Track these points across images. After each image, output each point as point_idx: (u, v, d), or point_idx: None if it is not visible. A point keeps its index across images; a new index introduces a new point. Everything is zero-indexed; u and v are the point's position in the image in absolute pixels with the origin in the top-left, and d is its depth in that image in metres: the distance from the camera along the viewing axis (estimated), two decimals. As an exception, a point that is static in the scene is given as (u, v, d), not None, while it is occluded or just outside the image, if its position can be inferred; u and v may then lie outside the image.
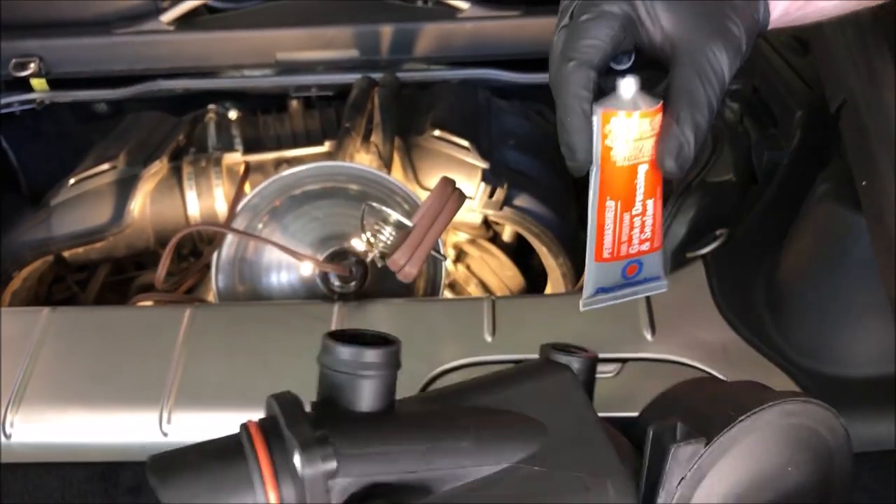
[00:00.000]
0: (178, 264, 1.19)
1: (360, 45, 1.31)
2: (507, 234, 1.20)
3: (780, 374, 0.73)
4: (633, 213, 0.52)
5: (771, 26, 0.54)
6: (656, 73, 0.54)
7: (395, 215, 0.78)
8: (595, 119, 0.50)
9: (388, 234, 0.83)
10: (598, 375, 0.63)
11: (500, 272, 1.19)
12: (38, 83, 1.34)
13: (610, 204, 0.52)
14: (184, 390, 0.76)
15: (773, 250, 0.78)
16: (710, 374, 0.74)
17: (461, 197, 0.79)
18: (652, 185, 0.52)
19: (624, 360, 0.76)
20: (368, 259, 0.85)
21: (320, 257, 0.89)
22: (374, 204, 0.81)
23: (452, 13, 1.29)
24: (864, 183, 0.64)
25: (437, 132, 1.14)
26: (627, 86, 0.50)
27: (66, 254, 1.11)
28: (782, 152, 0.94)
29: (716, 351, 0.75)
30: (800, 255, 0.75)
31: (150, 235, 1.12)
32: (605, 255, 0.54)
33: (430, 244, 0.74)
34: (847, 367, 0.71)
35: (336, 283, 0.84)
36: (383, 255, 0.84)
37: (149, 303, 0.98)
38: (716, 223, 0.94)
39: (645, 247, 0.54)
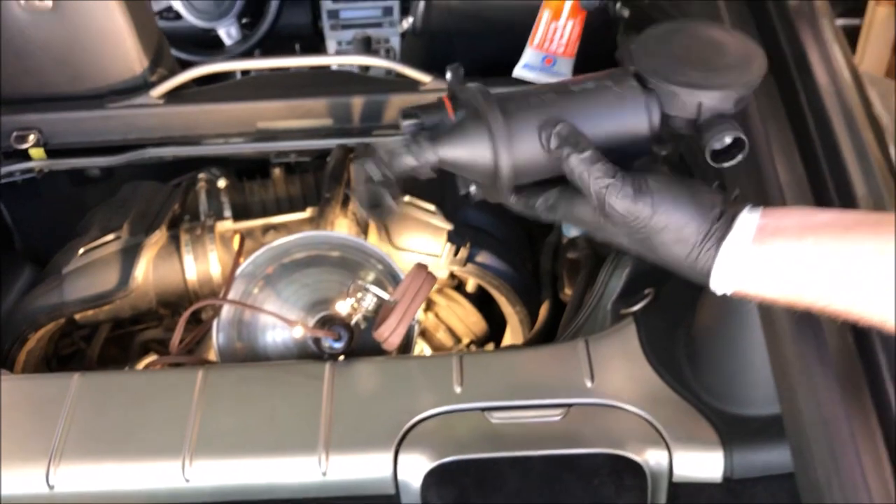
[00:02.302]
0: (173, 318, 1.33)
1: (335, 115, 1.44)
2: (470, 286, 1.36)
3: (696, 414, 0.89)
4: (558, 24, 0.83)
5: None
6: None
7: (375, 290, 0.94)
8: None
9: (369, 300, 0.99)
10: (545, 419, 0.80)
11: (466, 319, 1.35)
12: (37, 152, 1.45)
13: (546, 13, 0.83)
14: (202, 441, 0.89)
15: (689, 309, 0.95)
16: (642, 416, 0.90)
17: (433, 279, 0.95)
18: (575, 12, 0.83)
19: (569, 405, 0.91)
20: (353, 322, 1.00)
21: (311, 321, 1.04)
22: (360, 282, 0.96)
23: (416, 85, 1.44)
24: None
25: (406, 198, 1.29)
26: None
27: (76, 316, 1.23)
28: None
29: (645, 395, 0.91)
30: (708, 316, 0.91)
31: (153, 298, 1.25)
32: (536, 43, 0.84)
33: (409, 319, 0.90)
34: (748, 408, 0.87)
35: (326, 344, 0.99)
36: (366, 319, 1.00)
37: (156, 363, 1.11)
38: (647, 278, 1.10)
39: (560, 49, 0.85)
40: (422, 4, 1.62)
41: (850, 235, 0.58)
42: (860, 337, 0.72)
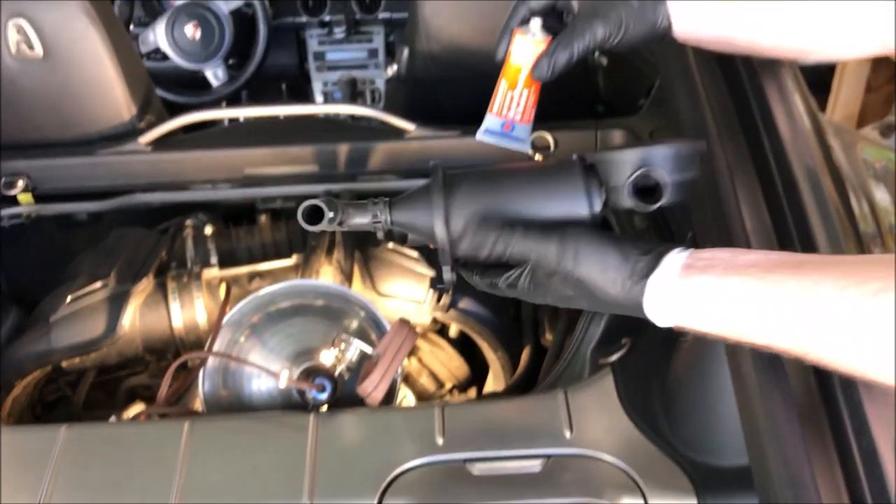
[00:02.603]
0: (159, 363, 1.34)
1: (321, 161, 1.46)
2: (453, 330, 1.38)
3: (671, 464, 0.91)
4: (514, 93, 0.86)
5: (685, 38, 0.84)
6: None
7: (359, 344, 0.96)
8: (511, 34, 0.85)
9: (353, 351, 1.01)
10: (526, 470, 0.82)
11: (449, 363, 1.37)
12: (25, 198, 1.46)
13: (503, 82, 0.86)
14: (188, 494, 0.90)
15: (664, 361, 0.97)
16: (619, 466, 0.92)
17: (415, 334, 0.97)
18: (529, 82, 0.86)
19: (549, 456, 0.93)
20: (337, 372, 1.02)
21: (296, 371, 1.06)
22: (344, 334, 0.98)
23: (401, 133, 1.46)
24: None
25: (390, 245, 1.32)
26: (534, 24, 0.84)
27: (63, 363, 1.25)
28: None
29: (622, 446, 0.94)
30: (682, 369, 0.94)
31: (139, 345, 1.26)
32: (495, 110, 0.87)
33: (391, 374, 0.92)
34: (721, 459, 0.89)
35: (310, 395, 1.01)
36: (349, 369, 1.02)
37: (143, 414, 1.13)
38: (625, 327, 1.13)
39: (517, 117, 0.88)
40: (406, 52, 1.66)
41: (772, 275, 0.62)
42: (824, 387, 0.75)
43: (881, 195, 1.44)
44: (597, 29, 0.81)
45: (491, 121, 0.88)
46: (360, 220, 0.80)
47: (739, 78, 1.03)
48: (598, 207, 0.76)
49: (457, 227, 0.76)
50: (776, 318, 0.61)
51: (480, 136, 0.88)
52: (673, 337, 0.98)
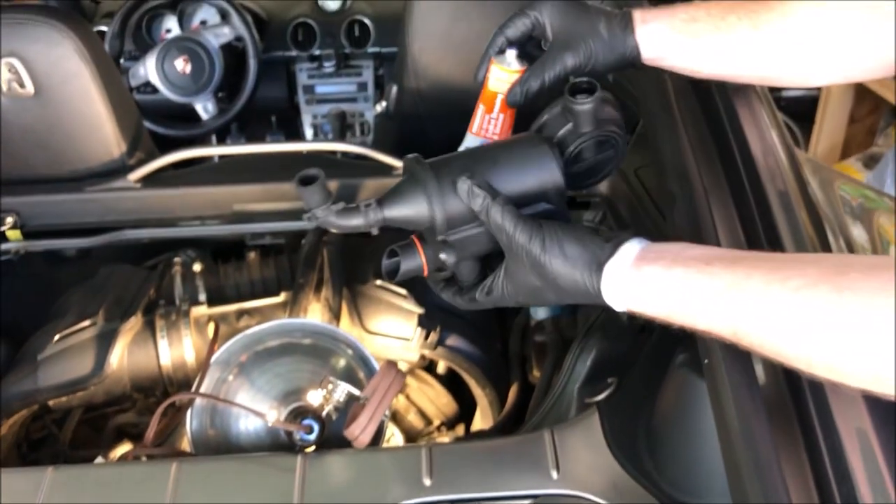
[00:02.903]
0: (147, 400, 1.34)
1: (309, 198, 1.48)
2: (440, 367, 1.39)
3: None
4: (491, 116, 0.93)
5: (654, 64, 0.91)
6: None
7: (346, 387, 0.97)
8: (489, 62, 0.92)
9: (340, 392, 1.02)
10: None
11: (436, 400, 1.37)
12: (14, 234, 1.47)
13: (481, 106, 0.93)
14: (174, 536, 0.91)
15: (650, 400, 0.98)
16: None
17: (402, 377, 0.98)
18: (504, 108, 0.92)
19: (535, 496, 0.94)
20: (324, 413, 1.02)
21: (284, 411, 1.06)
22: (331, 377, 0.99)
23: (389, 169, 1.48)
24: (705, 361, 0.85)
25: (378, 281, 1.33)
26: (510, 54, 0.91)
27: (50, 402, 1.24)
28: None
29: (608, 486, 0.94)
30: (667, 409, 0.95)
31: (127, 383, 1.26)
32: (474, 130, 0.94)
33: (378, 417, 0.92)
34: (706, 498, 0.90)
35: (298, 436, 1.01)
36: (337, 410, 1.03)
37: (130, 454, 1.12)
38: (612, 363, 1.14)
39: (495, 136, 0.94)
40: (395, 89, 1.68)
41: (710, 268, 0.68)
42: (806, 430, 0.76)
43: (858, 232, 1.46)
44: (567, 59, 0.88)
45: (471, 140, 0.94)
46: (355, 223, 0.83)
47: (720, 117, 1.05)
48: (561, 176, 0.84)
49: (452, 208, 0.81)
50: (712, 306, 0.67)
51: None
52: (658, 375, 0.99)
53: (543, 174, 0.84)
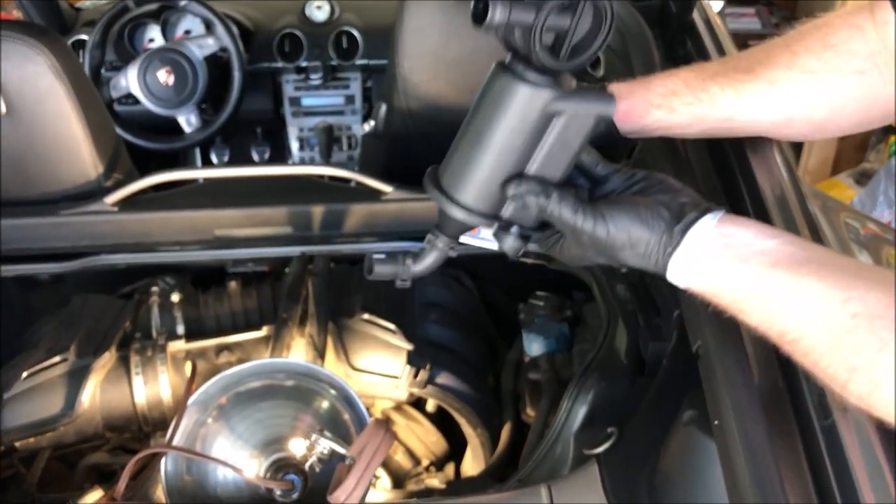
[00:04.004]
0: (121, 436, 1.28)
1: (295, 223, 1.41)
2: (430, 405, 1.33)
3: (660, 568, 0.87)
4: None
5: (636, 135, 0.88)
6: None
7: (333, 445, 0.91)
8: None
9: (324, 445, 0.96)
10: None
11: (426, 438, 1.32)
12: (-15, 259, 1.41)
13: None
14: None
15: (652, 454, 0.93)
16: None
17: (392, 437, 0.92)
18: None
19: (533, 557, 0.88)
20: (307, 466, 0.96)
21: (264, 463, 1.00)
22: (315, 434, 0.93)
23: (378, 195, 1.42)
24: (716, 422, 0.80)
25: (365, 315, 1.27)
26: None
27: (17, 443, 1.17)
28: (664, 344, 1.10)
29: (608, 546, 0.89)
30: (671, 465, 0.89)
31: (100, 422, 1.20)
32: None
33: (367, 480, 0.86)
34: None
35: (278, 492, 0.95)
36: (321, 461, 0.97)
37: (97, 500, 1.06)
38: (610, 407, 1.09)
39: None
40: (384, 108, 1.62)
41: (774, 269, 0.68)
42: (818, 481, 0.73)
43: (865, 259, 1.42)
44: None
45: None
46: (433, 256, 0.84)
47: (722, 143, 1.01)
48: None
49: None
50: (767, 308, 0.68)
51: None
52: (661, 427, 0.94)
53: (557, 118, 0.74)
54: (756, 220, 0.75)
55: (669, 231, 0.73)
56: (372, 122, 1.70)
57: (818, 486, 0.73)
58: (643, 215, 0.74)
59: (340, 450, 0.91)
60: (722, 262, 0.71)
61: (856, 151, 3.33)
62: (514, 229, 0.80)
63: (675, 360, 1.05)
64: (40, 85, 1.30)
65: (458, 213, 0.78)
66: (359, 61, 2.31)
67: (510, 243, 0.81)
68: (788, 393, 0.79)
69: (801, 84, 0.83)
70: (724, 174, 1.01)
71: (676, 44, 1.39)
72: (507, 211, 0.79)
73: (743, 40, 1.20)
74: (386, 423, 0.92)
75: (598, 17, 0.70)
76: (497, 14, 0.68)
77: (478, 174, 0.76)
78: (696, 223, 0.73)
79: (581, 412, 1.10)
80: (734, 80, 0.85)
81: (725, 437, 0.78)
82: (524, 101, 0.72)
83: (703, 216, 0.73)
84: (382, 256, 0.84)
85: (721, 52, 1.29)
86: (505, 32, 0.72)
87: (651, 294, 1.20)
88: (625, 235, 0.74)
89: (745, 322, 0.71)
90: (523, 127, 0.74)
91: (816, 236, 0.90)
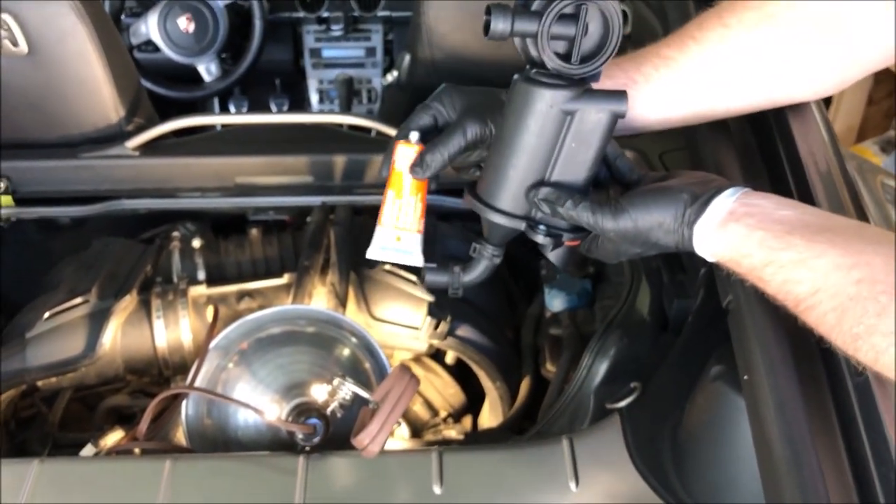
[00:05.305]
0: (140, 380, 1.28)
1: (316, 172, 1.40)
2: (449, 357, 1.33)
3: (681, 521, 0.87)
4: (401, 202, 0.85)
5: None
6: None
7: (356, 389, 0.91)
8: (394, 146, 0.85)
9: (346, 390, 0.95)
10: None
11: (444, 390, 1.31)
12: (5, 200, 1.40)
13: (390, 192, 0.85)
14: (167, 539, 0.85)
15: (676, 410, 0.92)
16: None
17: (417, 382, 0.91)
18: (414, 189, 0.85)
19: (554, 510, 0.88)
20: (328, 411, 0.96)
21: (286, 407, 1.00)
22: (337, 379, 0.93)
23: (399, 144, 1.41)
24: (745, 377, 0.79)
25: (387, 266, 1.26)
26: (413, 135, 0.84)
27: (39, 382, 1.18)
28: (689, 301, 1.09)
29: (629, 500, 0.89)
30: (696, 422, 0.89)
31: (120, 365, 1.20)
32: (384, 222, 0.85)
33: (391, 425, 0.86)
34: (734, 518, 0.85)
35: (300, 436, 0.95)
36: (342, 407, 0.97)
37: (121, 447, 1.06)
38: (632, 364, 1.08)
39: (407, 226, 0.86)
40: (407, 59, 1.59)
41: (790, 237, 0.69)
42: (849, 438, 0.72)
43: (898, 218, 1.40)
44: (467, 127, 0.83)
45: (380, 233, 0.86)
46: (482, 266, 0.87)
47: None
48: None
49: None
50: (783, 276, 0.69)
51: (372, 252, 0.86)
52: (686, 383, 0.93)
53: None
54: (777, 194, 0.76)
55: (692, 205, 0.75)
56: (394, 73, 1.67)
57: (849, 444, 0.72)
58: (667, 194, 0.77)
59: (364, 394, 0.91)
60: (742, 230, 0.72)
61: (883, 118, 3.27)
62: (541, 228, 0.82)
63: (700, 316, 1.04)
64: (62, 24, 1.28)
65: (497, 218, 0.81)
66: (381, 13, 2.28)
67: (541, 240, 0.83)
68: (819, 349, 0.77)
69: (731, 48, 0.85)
70: (762, 132, 0.99)
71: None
72: (538, 214, 0.81)
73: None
74: (410, 369, 0.92)
75: (605, 22, 0.72)
76: (499, 25, 0.71)
77: (509, 179, 0.79)
78: (717, 195, 0.74)
79: (602, 368, 1.09)
80: (666, 58, 0.86)
81: (755, 393, 0.76)
82: (540, 103, 0.75)
83: (725, 189, 0.75)
84: (434, 266, 0.87)
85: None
86: (521, 44, 0.75)
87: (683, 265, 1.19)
88: (650, 218, 0.76)
89: (765, 290, 0.72)
90: (543, 129, 0.76)
91: (854, 197, 0.88)
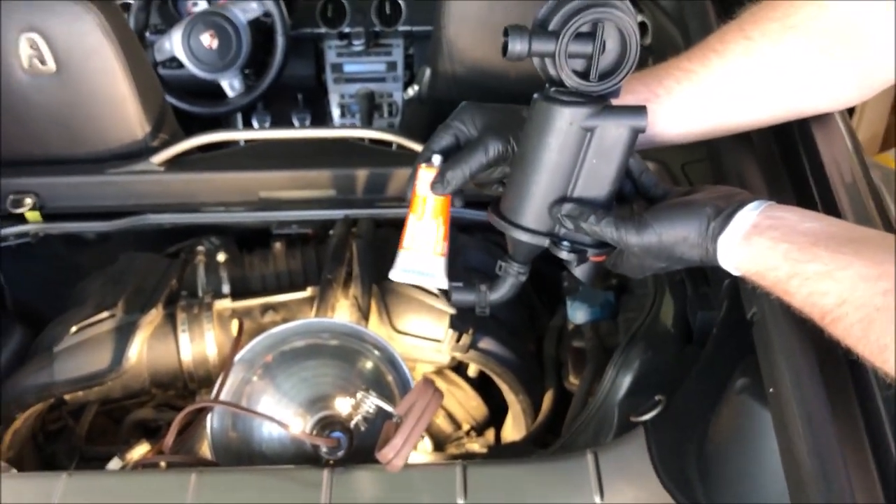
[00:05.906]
0: (166, 393, 1.29)
1: (338, 186, 1.41)
2: (472, 369, 1.33)
3: (708, 537, 0.86)
4: (423, 224, 0.85)
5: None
6: None
7: (380, 403, 0.91)
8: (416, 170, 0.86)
9: (370, 404, 0.96)
10: None
11: (466, 403, 1.31)
12: (33, 216, 1.42)
13: (412, 216, 0.86)
14: (192, 552, 0.86)
15: (701, 423, 0.91)
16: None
17: (441, 395, 0.92)
18: (436, 213, 0.85)
19: (578, 524, 0.88)
20: (352, 424, 0.97)
21: (310, 421, 1.00)
22: (361, 392, 0.93)
23: (420, 158, 1.42)
24: (770, 390, 0.78)
25: (409, 278, 1.26)
26: (436, 158, 0.85)
27: (66, 396, 1.19)
28: (713, 313, 1.08)
29: (655, 515, 0.88)
30: (722, 435, 0.88)
31: (146, 378, 1.21)
32: (405, 245, 0.86)
33: (415, 439, 0.86)
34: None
35: (324, 449, 0.95)
36: (366, 420, 0.97)
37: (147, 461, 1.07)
38: (656, 376, 1.07)
39: (428, 249, 0.86)
40: (428, 73, 1.60)
41: (815, 249, 0.68)
42: (879, 453, 0.71)
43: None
44: (489, 144, 0.83)
45: (401, 257, 0.86)
46: (509, 283, 0.88)
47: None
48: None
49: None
50: (808, 288, 0.68)
51: (394, 275, 0.87)
52: (711, 396, 0.92)
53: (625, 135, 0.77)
54: (801, 207, 0.75)
55: (716, 218, 0.75)
56: (416, 87, 1.68)
57: (879, 458, 0.71)
58: (690, 209, 0.76)
59: (388, 408, 0.91)
60: (766, 243, 0.72)
61: (906, 127, 3.23)
62: (566, 244, 0.82)
63: (725, 328, 1.03)
64: (89, 43, 1.30)
65: (521, 236, 0.81)
66: (401, 28, 2.29)
67: (565, 256, 0.84)
68: (847, 361, 0.77)
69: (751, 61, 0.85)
70: (785, 142, 0.99)
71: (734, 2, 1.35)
72: (562, 230, 0.81)
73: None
74: (434, 382, 0.92)
75: (622, 39, 0.73)
76: (517, 46, 0.72)
77: (532, 196, 0.80)
78: (741, 209, 0.74)
79: (626, 380, 1.09)
80: (687, 71, 0.86)
81: (781, 406, 0.76)
82: (560, 121, 0.75)
83: (749, 203, 0.75)
84: (460, 285, 0.88)
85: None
86: (540, 63, 0.75)
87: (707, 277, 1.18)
88: (674, 232, 0.76)
89: (790, 303, 0.71)
90: (564, 146, 0.76)
91: (880, 207, 0.87)
